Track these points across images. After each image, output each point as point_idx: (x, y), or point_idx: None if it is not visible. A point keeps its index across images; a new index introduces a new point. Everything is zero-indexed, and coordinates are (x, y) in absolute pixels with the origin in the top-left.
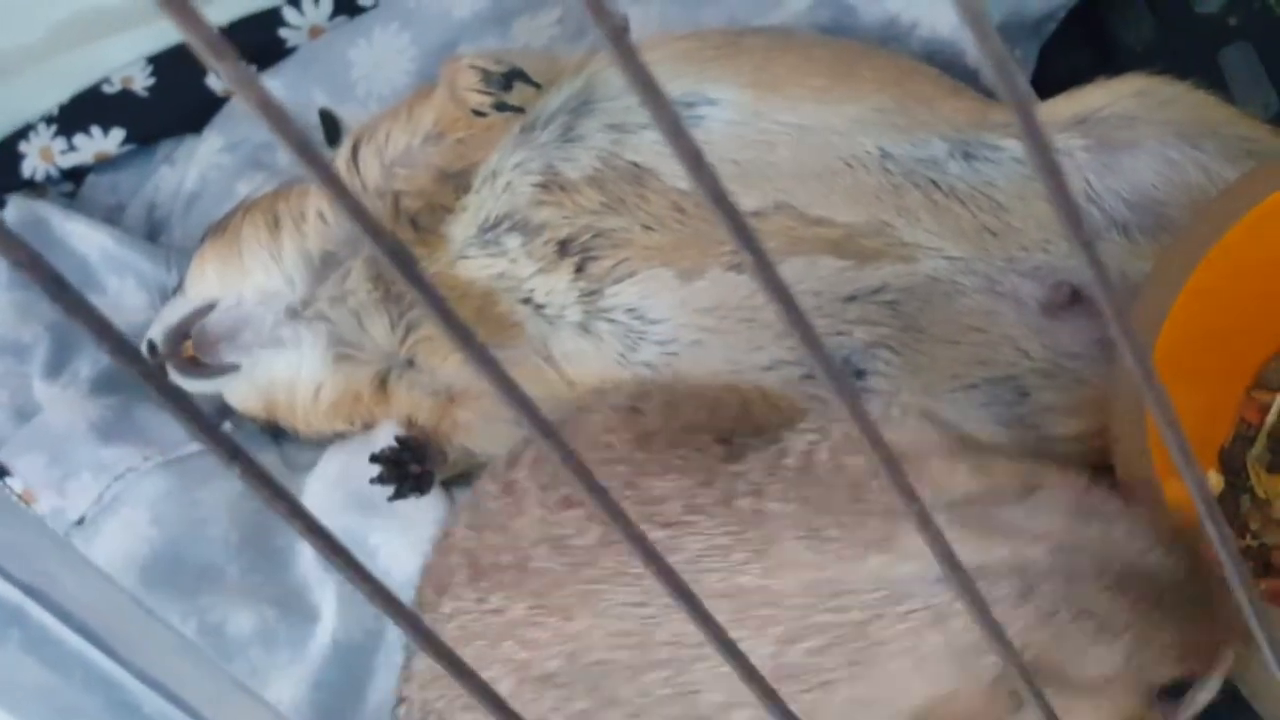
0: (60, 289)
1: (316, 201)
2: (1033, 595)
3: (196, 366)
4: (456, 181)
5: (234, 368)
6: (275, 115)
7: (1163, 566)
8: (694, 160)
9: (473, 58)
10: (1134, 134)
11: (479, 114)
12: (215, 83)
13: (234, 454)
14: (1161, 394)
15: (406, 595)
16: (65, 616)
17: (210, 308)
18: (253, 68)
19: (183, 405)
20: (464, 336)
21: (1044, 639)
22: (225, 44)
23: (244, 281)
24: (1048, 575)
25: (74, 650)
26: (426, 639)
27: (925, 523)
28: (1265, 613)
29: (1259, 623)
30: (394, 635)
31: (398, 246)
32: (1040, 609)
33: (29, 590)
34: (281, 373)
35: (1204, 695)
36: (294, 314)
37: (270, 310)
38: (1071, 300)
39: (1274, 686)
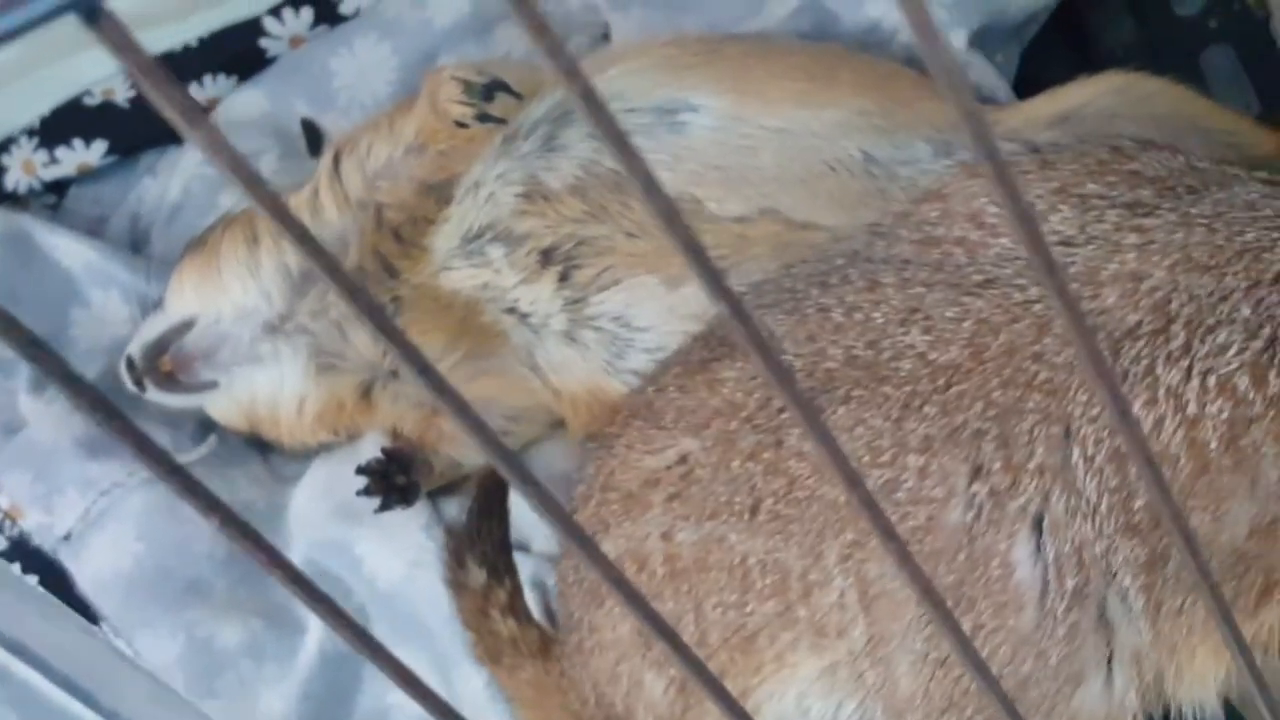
0: (43, 355)
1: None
2: None
3: (174, 383)
4: (439, 193)
5: (212, 384)
6: (245, 174)
7: None
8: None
9: (454, 69)
10: (1115, 130)
11: (461, 125)
12: (198, 93)
13: (213, 505)
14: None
15: (394, 604)
16: (47, 671)
17: (188, 324)
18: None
19: (164, 462)
20: (426, 371)
21: None
22: (197, 111)
23: (222, 298)
24: None
25: (57, 706)
26: (421, 693)
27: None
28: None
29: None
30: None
31: (374, 305)
32: None
33: (12, 647)
34: (263, 388)
35: None
36: (272, 329)
37: (247, 328)
38: None
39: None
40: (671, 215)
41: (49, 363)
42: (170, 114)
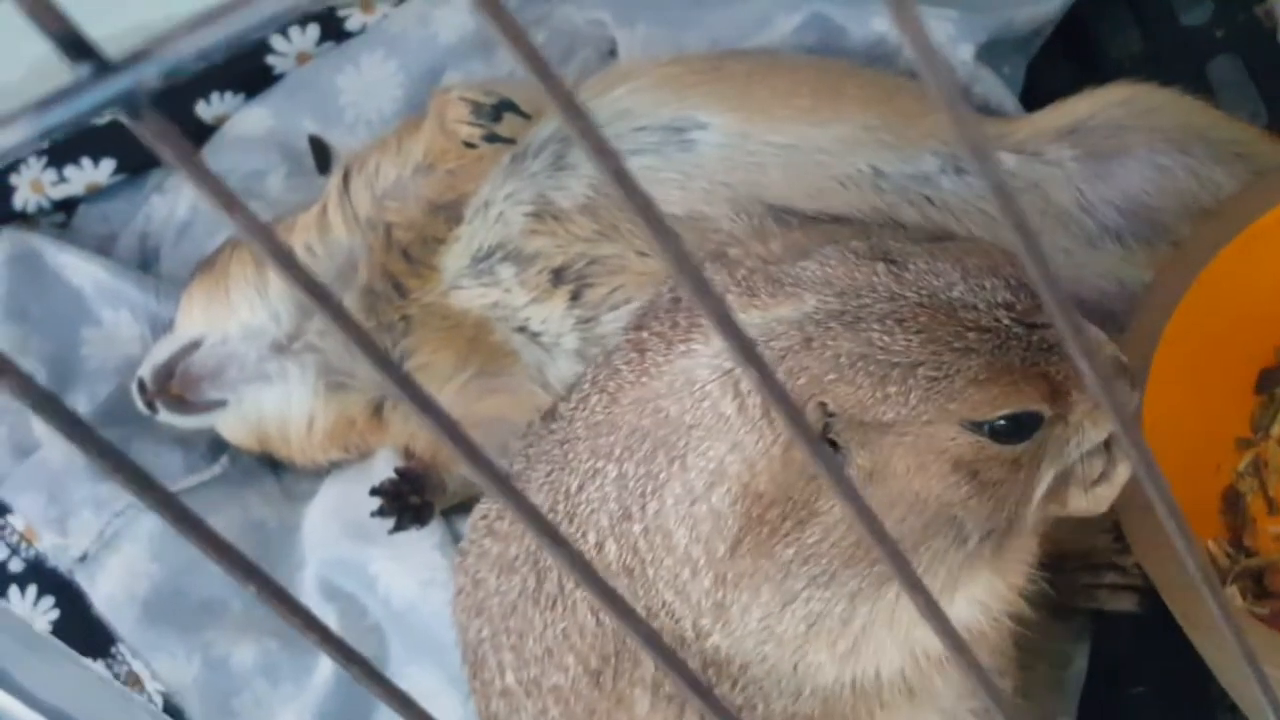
0: (87, 435)
1: (304, 236)
2: (813, 343)
3: (183, 404)
4: (448, 213)
5: (220, 404)
6: (284, 258)
7: (977, 298)
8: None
9: (462, 89)
10: (1123, 142)
11: (470, 145)
12: (205, 111)
13: (249, 572)
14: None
15: (409, 622)
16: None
17: (196, 345)
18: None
19: (196, 526)
20: (426, 406)
21: (834, 385)
22: (235, 198)
23: (229, 319)
24: (826, 321)
25: None
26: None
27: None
28: (1225, 602)
29: (1235, 636)
30: (395, 664)
31: (394, 367)
32: (822, 355)
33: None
34: (271, 407)
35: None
36: (279, 349)
37: (254, 347)
38: None
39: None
40: (688, 266)
41: (47, 405)
42: (211, 200)
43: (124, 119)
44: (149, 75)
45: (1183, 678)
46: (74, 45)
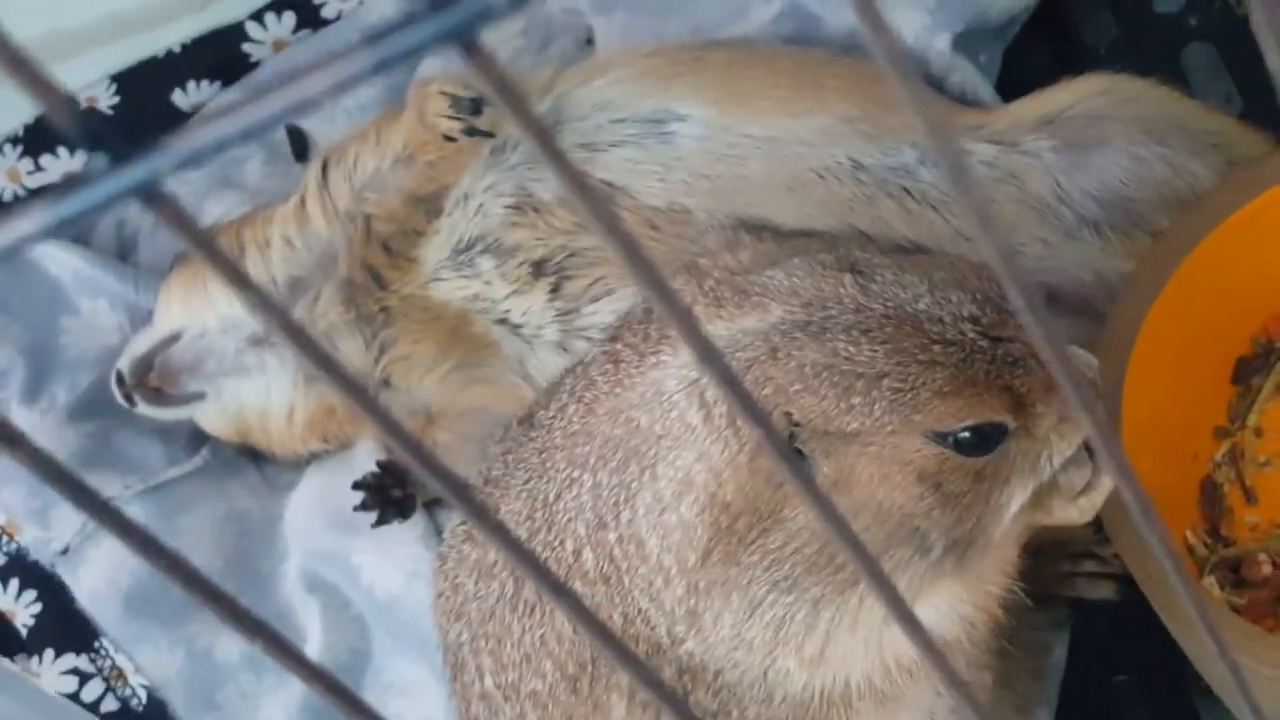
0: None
1: (283, 228)
2: (778, 353)
3: (163, 396)
4: (428, 205)
5: (199, 396)
6: (292, 330)
7: (943, 311)
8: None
9: (441, 83)
10: (1101, 132)
11: (449, 139)
12: (180, 99)
13: (258, 629)
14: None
15: (393, 614)
16: None
17: (175, 338)
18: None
19: (181, 567)
20: (380, 417)
21: (799, 395)
22: (248, 280)
23: (208, 311)
24: (792, 331)
25: None
26: None
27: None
28: (1205, 608)
29: (1204, 623)
30: (379, 656)
31: (357, 390)
32: (787, 365)
33: None
34: (250, 399)
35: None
36: (258, 341)
37: (233, 339)
38: (1046, 300)
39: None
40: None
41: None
42: (224, 281)
43: (141, 207)
44: (164, 166)
45: (1161, 665)
46: (92, 136)
